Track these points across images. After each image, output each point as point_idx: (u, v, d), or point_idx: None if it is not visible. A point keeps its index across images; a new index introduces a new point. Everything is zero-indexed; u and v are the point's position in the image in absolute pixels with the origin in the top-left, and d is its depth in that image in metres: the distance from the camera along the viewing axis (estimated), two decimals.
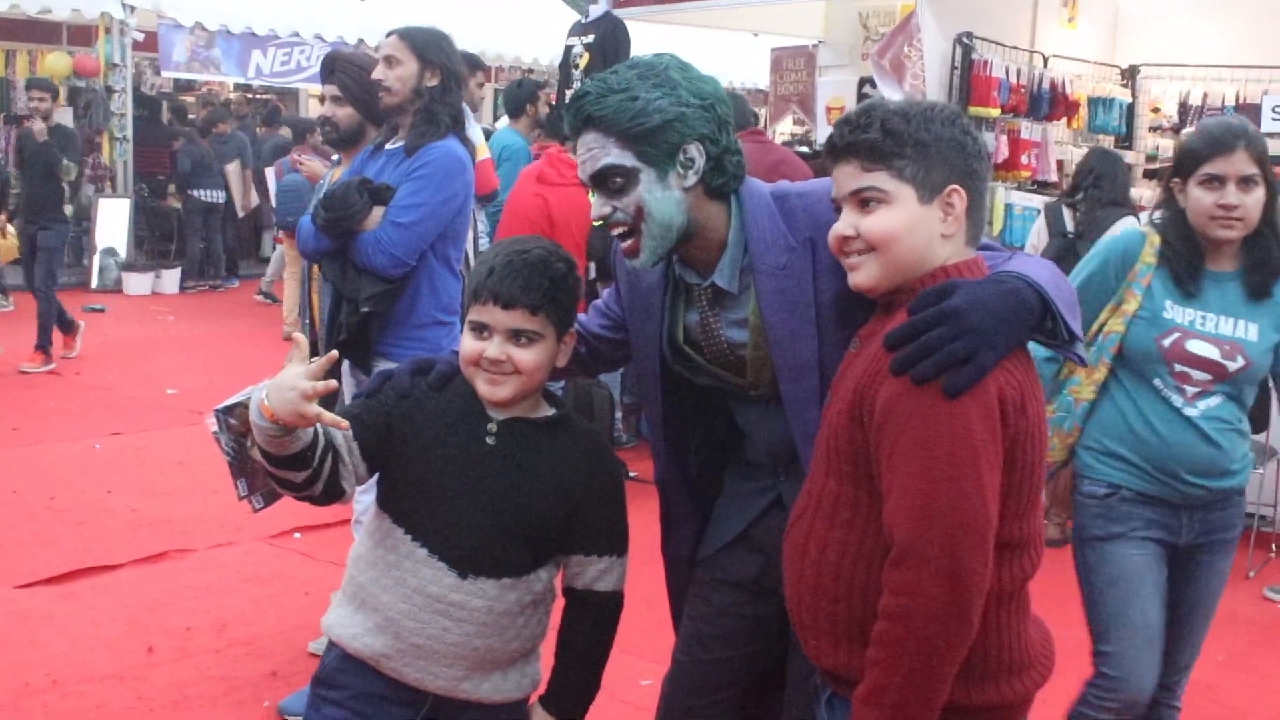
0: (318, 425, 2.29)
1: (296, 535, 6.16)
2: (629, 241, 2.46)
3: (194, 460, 7.16)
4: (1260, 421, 5.77)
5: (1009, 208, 8.19)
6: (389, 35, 4.46)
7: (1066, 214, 6.69)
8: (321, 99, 5.50)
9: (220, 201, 15.23)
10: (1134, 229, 3.59)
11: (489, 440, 2.50)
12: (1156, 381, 3.39)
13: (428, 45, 4.34)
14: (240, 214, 15.60)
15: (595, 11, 9.35)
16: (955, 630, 2.00)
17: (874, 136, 2.14)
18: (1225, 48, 8.82)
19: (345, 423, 2.34)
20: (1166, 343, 3.35)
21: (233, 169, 15.51)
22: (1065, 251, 6.51)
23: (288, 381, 2.21)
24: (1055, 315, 2.11)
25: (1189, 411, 3.34)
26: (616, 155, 2.40)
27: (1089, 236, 6.37)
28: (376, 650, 2.49)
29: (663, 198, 2.42)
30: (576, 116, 2.44)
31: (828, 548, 2.19)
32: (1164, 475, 3.37)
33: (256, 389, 2.28)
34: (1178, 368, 3.35)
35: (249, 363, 10.49)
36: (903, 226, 2.14)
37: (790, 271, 2.46)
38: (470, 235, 5.40)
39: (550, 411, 2.60)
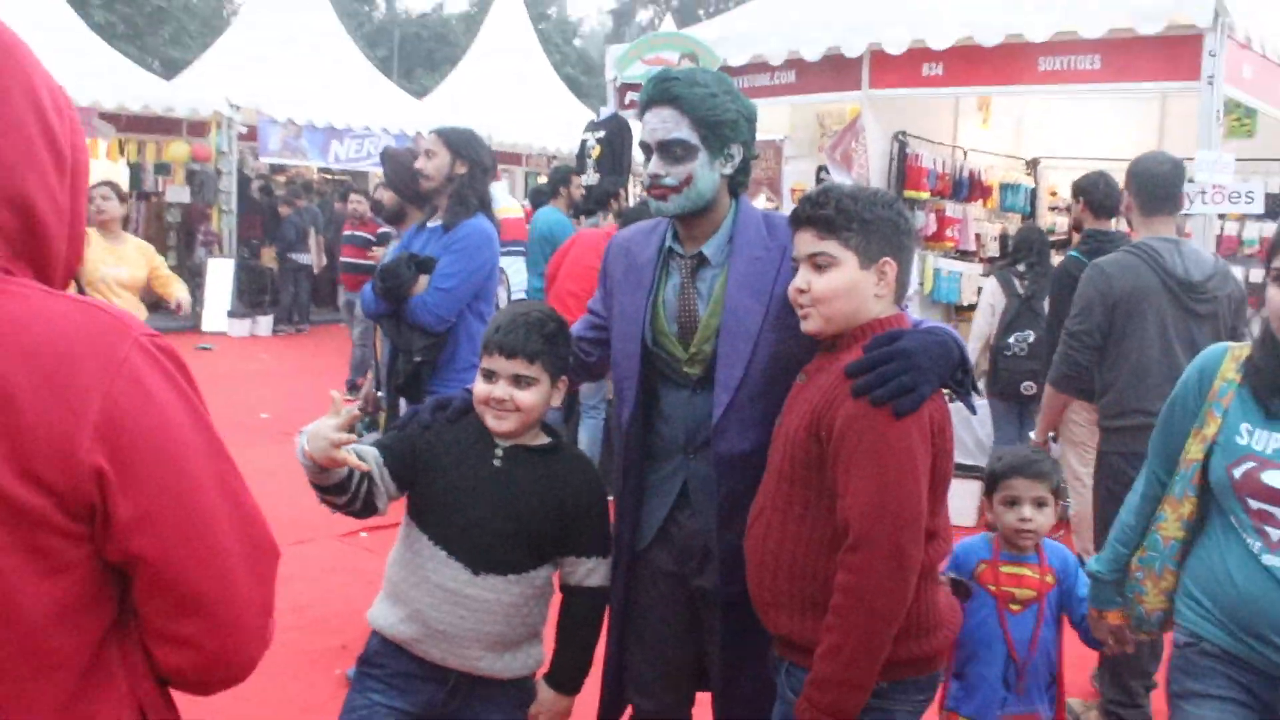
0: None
1: (363, 534, 6.06)
2: (668, 197, 2.49)
3: (282, 472, 7.04)
4: None
5: (937, 271, 8.11)
6: (429, 133, 4.48)
7: (1015, 280, 6.57)
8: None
9: (309, 263, 15.16)
10: (1219, 344, 2.67)
11: (496, 463, 2.50)
12: (1234, 520, 2.40)
13: (459, 141, 4.34)
14: (316, 271, 15.51)
15: (605, 113, 9.28)
16: (897, 600, 2.09)
17: (829, 212, 2.23)
18: (1107, 142, 8.75)
19: (367, 466, 2.37)
20: (1238, 473, 2.37)
21: (311, 236, 15.45)
22: (1023, 308, 6.45)
23: (322, 431, 2.24)
24: (967, 367, 2.23)
25: (1267, 560, 2.31)
26: (686, 133, 2.47)
27: (1040, 297, 6.28)
28: (408, 636, 2.49)
29: (707, 176, 2.50)
30: (659, 92, 2.49)
31: (784, 539, 2.24)
32: (1248, 635, 2.32)
33: (301, 436, 2.29)
34: (1253, 504, 2.34)
35: (327, 389, 10.40)
36: (845, 286, 2.22)
37: (760, 264, 2.50)
38: (502, 291, 5.36)
39: (546, 440, 2.59)
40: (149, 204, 15.79)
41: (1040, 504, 2.99)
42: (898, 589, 2.08)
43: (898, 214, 2.27)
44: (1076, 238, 5.87)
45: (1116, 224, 5.77)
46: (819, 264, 2.24)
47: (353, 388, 10.42)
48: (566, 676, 2.60)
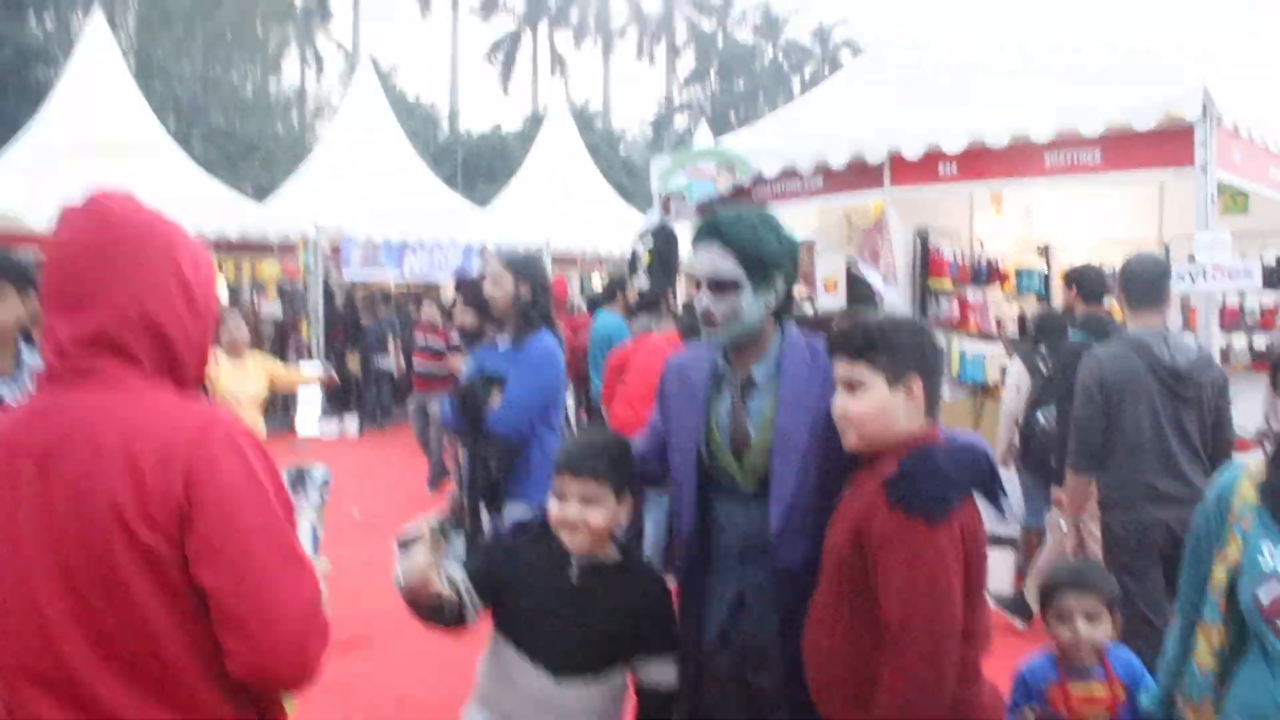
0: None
1: None
2: (717, 327, 2.56)
3: (373, 566, 7.15)
4: None
5: (962, 354, 8.20)
6: (493, 259, 4.62)
7: (1038, 360, 6.67)
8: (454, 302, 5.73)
9: (390, 368, 15.48)
10: (1232, 465, 2.55)
11: (572, 579, 2.56)
12: (1267, 646, 2.20)
13: (519, 265, 4.49)
14: (395, 375, 15.82)
15: (652, 223, 9.51)
16: (935, 697, 2.10)
17: (857, 340, 2.32)
18: (1112, 224, 8.85)
19: (456, 597, 2.45)
20: (1265, 598, 2.19)
21: (390, 342, 15.78)
22: (1048, 386, 6.50)
23: (417, 566, 2.37)
24: (996, 478, 2.26)
25: None
26: (732, 270, 2.53)
27: (1062, 375, 6.15)
28: None
29: (752, 309, 2.56)
30: (708, 230, 2.57)
31: (837, 638, 2.29)
32: None
33: (397, 569, 2.40)
34: None
35: (410, 485, 10.57)
36: (876, 406, 2.29)
37: (805, 386, 2.54)
38: (571, 402, 5.50)
39: (617, 554, 2.65)
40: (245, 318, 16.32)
41: (1092, 617, 2.89)
42: (935, 687, 2.11)
43: (921, 336, 2.35)
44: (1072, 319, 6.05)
45: (1109, 304, 5.94)
46: (852, 386, 2.32)
47: (433, 484, 10.61)
48: None
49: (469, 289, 5.01)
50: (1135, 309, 4.54)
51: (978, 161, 7.23)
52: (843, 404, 2.34)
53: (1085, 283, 5.84)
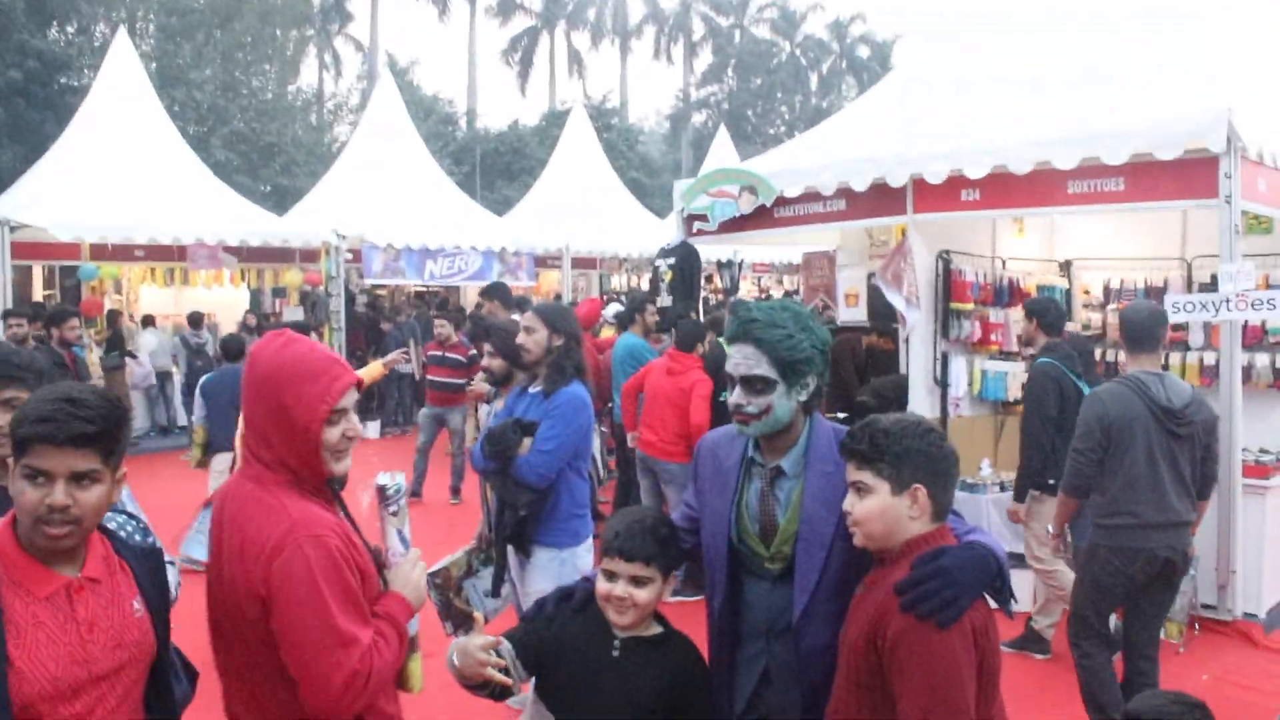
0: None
1: None
2: (749, 423, 2.62)
3: None
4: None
5: (984, 372, 8.21)
6: (528, 311, 4.69)
7: None
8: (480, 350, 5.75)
9: (411, 371, 15.56)
10: None
11: (614, 654, 2.62)
12: None
13: (553, 317, 4.56)
14: (417, 378, 15.91)
15: (674, 241, 9.56)
16: None
17: (864, 447, 2.37)
18: (1134, 244, 8.83)
19: (508, 680, 2.48)
20: None
21: (411, 347, 15.87)
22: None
23: (469, 651, 2.43)
24: (1004, 577, 2.33)
25: None
26: (765, 369, 2.58)
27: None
28: None
29: (785, 405, 2.61)
30: (742, 333, 2.62)
31: None
32: None
33: (451, 651, 2.48)
34: None
35: (436, 489, 10.64)
36: (879, 510, 2.36)
37: (831, 479, 2.59)
38: (598, 442, 5.54)
39: (659, 630, 2.70)
40: (268, 324, 16.41)
41: None
42: None
43: (930, 444, 2.36)
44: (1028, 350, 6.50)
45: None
46: (858, 489, 2.38)
47: (455, 491, 10.68)
48: None
49: (504, 335, 5.07)
50: (1134, 352, 4.90)
51: (1000, 188, 7.23)
52: (850, 504, 2.41)
53: (1045, 314, 6.24)
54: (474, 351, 9.32)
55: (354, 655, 2.25)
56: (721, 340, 7.42)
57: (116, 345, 13.79)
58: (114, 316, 14.70)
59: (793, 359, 2.58)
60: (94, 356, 11.67)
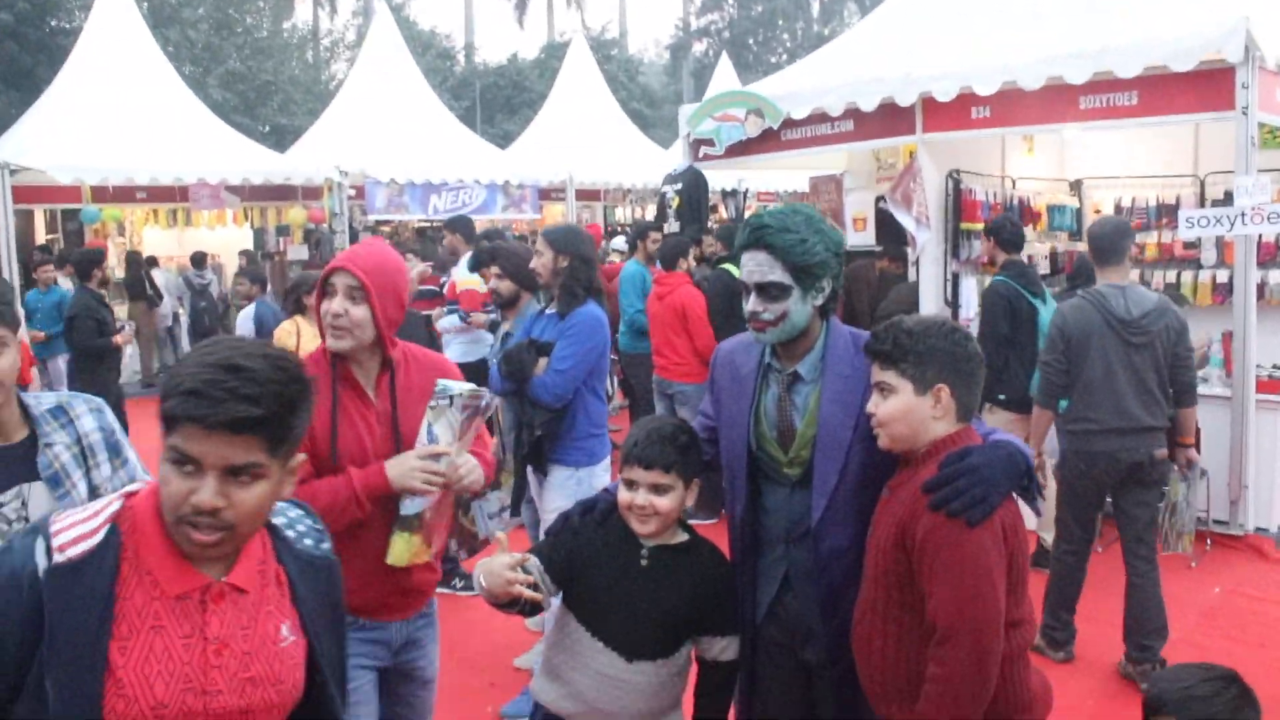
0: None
1: None
2: (765, 330, 2.60)
3: None
4: (1196, 446, 5.78)
5: None
6: (540, 235, 4.66)
7: None
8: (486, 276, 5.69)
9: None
10: None
11: (643, 562, 2.62)
12: None
13: (560, 239, 4.53)
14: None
15: (681, 166, 9.45)
16: (979, 688, 2.18)
17: (887, 347, 2.36)
18: (1146, 161, 8.71)
19: (538, 596, 2.47)
20: None
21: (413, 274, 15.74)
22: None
23: (497, 570, 2.42)
24: (1033, 476, 2.31)
25: None
26: (780, 275, 2.56)
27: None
28: (568, 711, 2.64)
29: (800, 310, 2.59)
30: (754, 238, 2.58)
31: (887, 637, 2.36)
32: None
33: (477, 572, 2.48)
34: None
35: None
36: (902, 410, 2.35)
37: (849, 382, 2.58)
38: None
39: (685, 537, 2.70)
40: (273, 263, 16.35)
41: None
42: (980, 678, 2.17)
43: (954, 344, 2.35)
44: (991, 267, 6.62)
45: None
46: (882, 390, 2.37)
47: None
48: None
49: (511, 255, 5.01)
50: (1101, 266, 5.06)
51: (1011, 105, 7.12)
52: (874, 404, 2.39)
53: (1000, 232, 6.35)
54: (444, 279, 9.11)
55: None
56: (728, 266, 7.37)
57: (139, 288, 13.73)
58: (134, 259, 14.63)
59: (806, 263, 2.55)
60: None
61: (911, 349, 2.32)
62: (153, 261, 15.25)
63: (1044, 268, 8.89)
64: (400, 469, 2.67)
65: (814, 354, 2.66)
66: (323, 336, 2.79)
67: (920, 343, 2.32)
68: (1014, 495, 2.32)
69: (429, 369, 2.90)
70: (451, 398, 2.70)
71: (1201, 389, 6.79)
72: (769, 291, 2.57)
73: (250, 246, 17.41)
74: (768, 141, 8.71)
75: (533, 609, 2.57)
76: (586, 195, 19.37)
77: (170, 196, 14.87)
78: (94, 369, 8.68)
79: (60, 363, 10.22)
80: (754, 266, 2.59)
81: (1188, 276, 8.58)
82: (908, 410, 2.33)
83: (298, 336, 6.15)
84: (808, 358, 2.66)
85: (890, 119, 7.74)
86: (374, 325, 2.73)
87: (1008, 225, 6.39)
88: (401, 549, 2.72)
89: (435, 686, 3.08)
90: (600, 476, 4.49)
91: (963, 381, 2.35)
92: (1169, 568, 6.15)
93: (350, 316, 2.70)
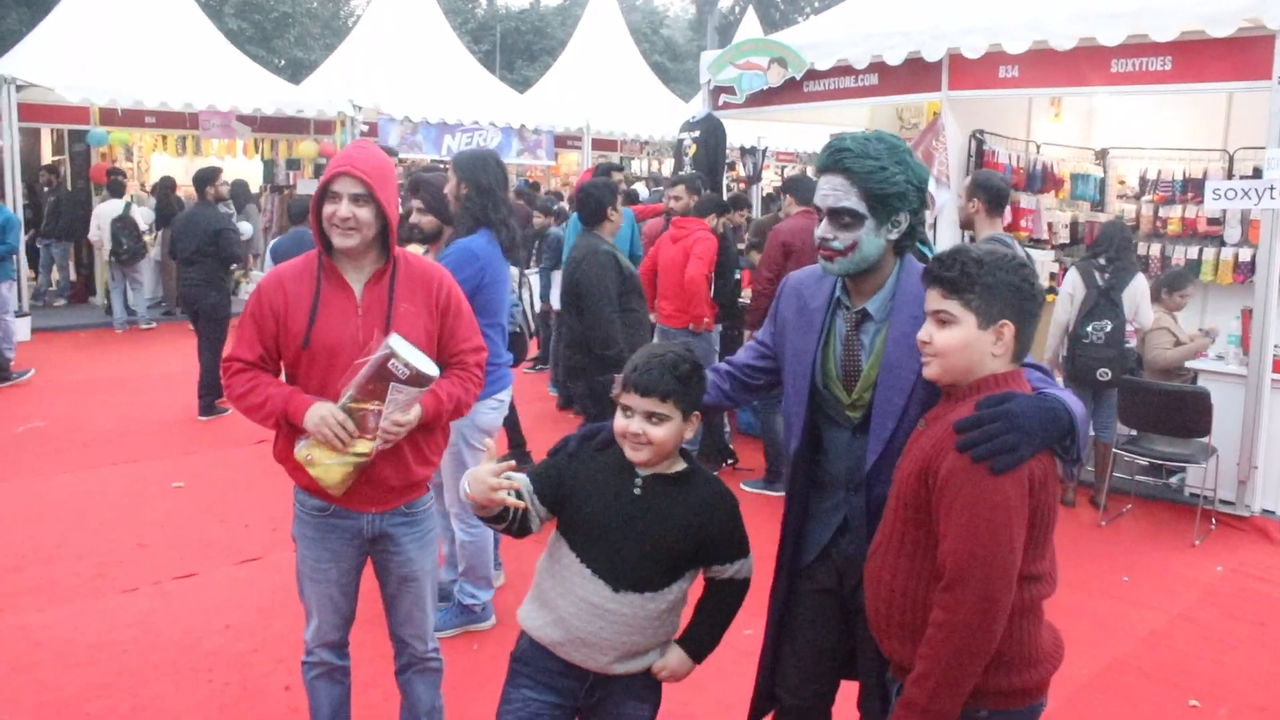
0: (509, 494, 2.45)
1: None
2: (834, 259, 2.52)
3: None
4: (1205, 426, 5.72)
5: None
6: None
7: (1095, 272, 6.65)
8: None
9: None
10: None
11: (636, 490, 2.55)
12: None
13: (461, 164, 4.43)
14: None
15: (700, 114, 9.32)
16: (983, 638, 2.10)
17: (954, 275, 2.21)
18: (1175, 133, 8.59)
19: (521, 504, 2.48)
20: None
21: None
22: (1101, 299, 6.58)
23: (480, 476, 2.41)
24: (1076, 437, 2.16)
25: None
26: (855, 202, 2.46)
27: (1119, 289, 6.60)
28: (552, 639, 2.57)
29: (873, 241, 2.49)
30: (832, 162, 2.48)
31: (897, 573, 2.28)
32: None
33: (464, 480, 2.48)
34: None
35: None
36: (961, 343, 2.21)
37: (918, 323, 2.42)
38: (527, 296, 5.46)
39: (682, 466, 2.63)
40: (282, 197, 16.26)
41: None
42: (984, 628, 2.10)
43: (1022, 279, 2.23)
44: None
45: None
46: (942, 319, 2.24)
47: None
48: (700, 647, 2.69)
49: (431, 188, 4.80)
50: (991, 215, 5.45)
51: (1041, 65, 6.99)
52: (928, 333, 2.27)
53: (990, 191, 5.71)
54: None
55: (229, 367, 2.97)
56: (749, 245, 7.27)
57: (169, 213, 13.61)
58: (166, 184, 14.53)
59: (884, 192, 2.44)
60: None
61: (980, 279, 2.20)
62: (172, 185, 15.07)
63: (1064, 236, 8.81)
64: (316, 416, 2.86)
65: (884, 292, 2.56)
66: (319, 240, 2.98)
67: (990, 274, 2.20)
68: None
69: (420, 272, 3.08)
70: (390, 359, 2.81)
71: (1216, 367, 6.76)
72: (840, 218, 2.47)
73: (260, 178, 17.29)
74: (790, 92, 8.59)
75: (522, 527, 2.54)
76: (603, 145, 19.22)
77: (180, 123, 14.77)
78: (224, 281, 9.12)
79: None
80: (828, 190, 2.49)
81: (1210, 253, 8.47)
82: (968, 344, 2.22)
83: None
84: (878, 295, 2.56)
85: (916, 74, 7.62)
86: (377, 224, 2.93)
87: (997, 181, 5.73)
88: (327, 472, 2.93)
89: (422, 587, 3.20)
90: (485, 415, 4.40)
91: (1025, 320, 2.25)
92: (1171, 546, 6.14)
93: (358, 218, 2.88)
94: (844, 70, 8.10)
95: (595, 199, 5.65)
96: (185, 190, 15.88)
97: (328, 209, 2.92)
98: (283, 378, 3.04)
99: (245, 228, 13.71)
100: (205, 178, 9.49)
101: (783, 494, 2.83)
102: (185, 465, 7.27)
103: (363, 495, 3.03)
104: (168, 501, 6.47)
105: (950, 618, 2.11)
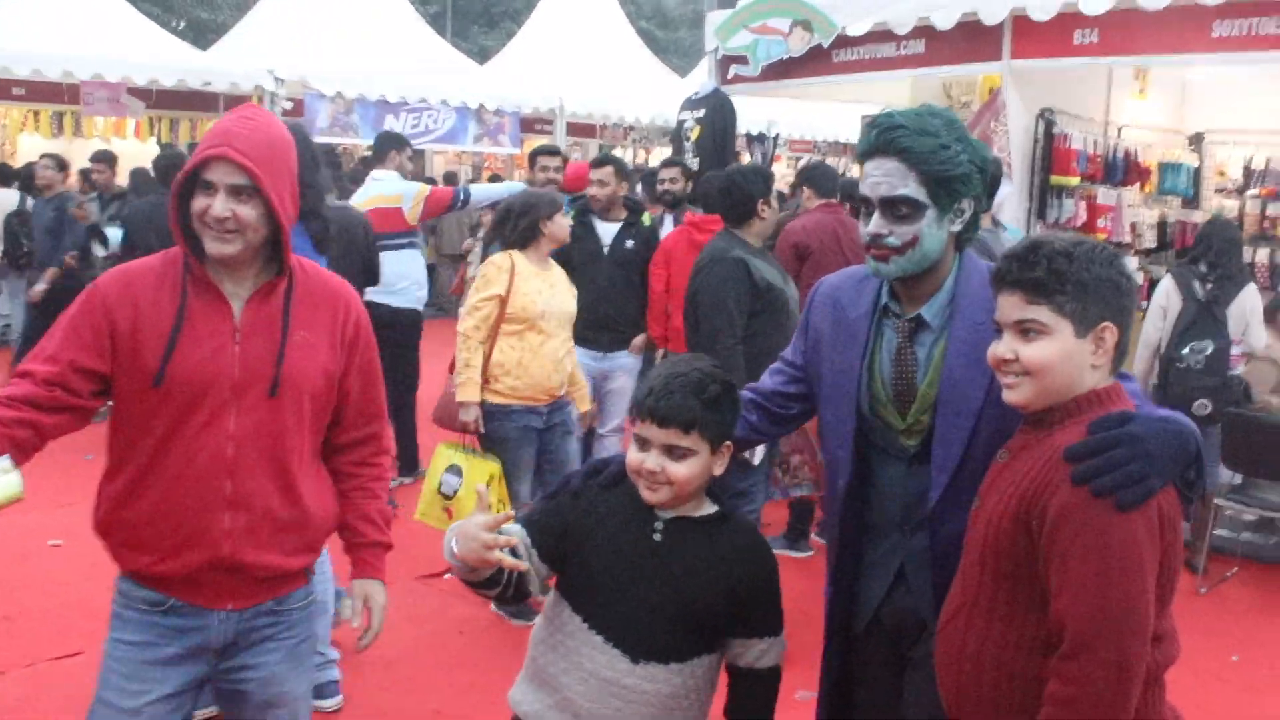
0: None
1: (446, 576, 6.05)
2: (889, 259, 2.50)
3: None
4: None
5: None
6: None
7: (1195, 281, 6.67)
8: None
9: None
10: None
11: (656, 537, 2.52)
12: None
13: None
14: None
15: (705, 89, 9.34)
16: (1119, 714, 2.06)
17: (1039, 275, 2.19)
18: None
19: (523, 565, 2.42)
20: None
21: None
22: (1202, 314, 6.59)
23: (472, 533, 2.35)
24: (1200, 464, 2.16)
25: None
26: (914, 189, 2.47)
27: (1224, 302, 6.60)
28: None
29: (935, 236, 2.51)
30: (884, 140, 2.48)
31: (987, 640, 2.24)
32: None
33: (449, 536, 2.43)
34: None
35: None
36: (1059, 357, 2.20)
37: (983, 331, 2.45)
38: None
39: (712, 509, 2.60)
40: None
41: None
42: (1119, 702, 2.06)
43: (1120, 273, 2.22)
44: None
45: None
46: (1025, 332, 2.21)
47: None
48: None
49: None
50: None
51: (1124, 29, 7.03)
52: (1013, 349, 2.23)
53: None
54: None
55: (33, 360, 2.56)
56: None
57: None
58: (140, 175, 14.50)
59: (947, 175, 2.44)
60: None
61: (1072, 277, 2.17)
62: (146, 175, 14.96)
63: (1150, 240, 8.84)
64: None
65: (942, 294, 2.57)
66: (181, 240, 2.61)
67: (1084, 269, 2.17)
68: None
69: (323, 289, 2.76)
70: None
71: None
72: (896, 209, 2.47)
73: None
74: (815, 63, 8.64)
75: (518, 592, 2.51)
76: (579, 130, 19.26)
77: (56, 96, 14.73)
78: None
79: None
80: (880, 176, 2.48)
81: (1262, 254, 8.55)
82: (1066, 356, 2.19)
83: (511, 274, 5.51)
84: (935, 299, 2.57)
85: (971, 41, 7.67)
86: (265, 225, 2.57)
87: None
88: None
89: (295, 715, 2.85)
90: None
91: (1125, 322, 2.24)
92: None
93: (239, 217, 2.51)
94: (882, 36, 8.15)
95: (744, 190, 5.51)
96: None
97: (198, 203, 2.52)
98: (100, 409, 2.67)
99: None
100: (171, 164, 9.37)
101: (807, 555, 2.83)
102: (63, 519, 7.17)
103: (214, 584, 2.64)
104: (42, 563, 6.38)
105: (1077, 691, 2.07)
